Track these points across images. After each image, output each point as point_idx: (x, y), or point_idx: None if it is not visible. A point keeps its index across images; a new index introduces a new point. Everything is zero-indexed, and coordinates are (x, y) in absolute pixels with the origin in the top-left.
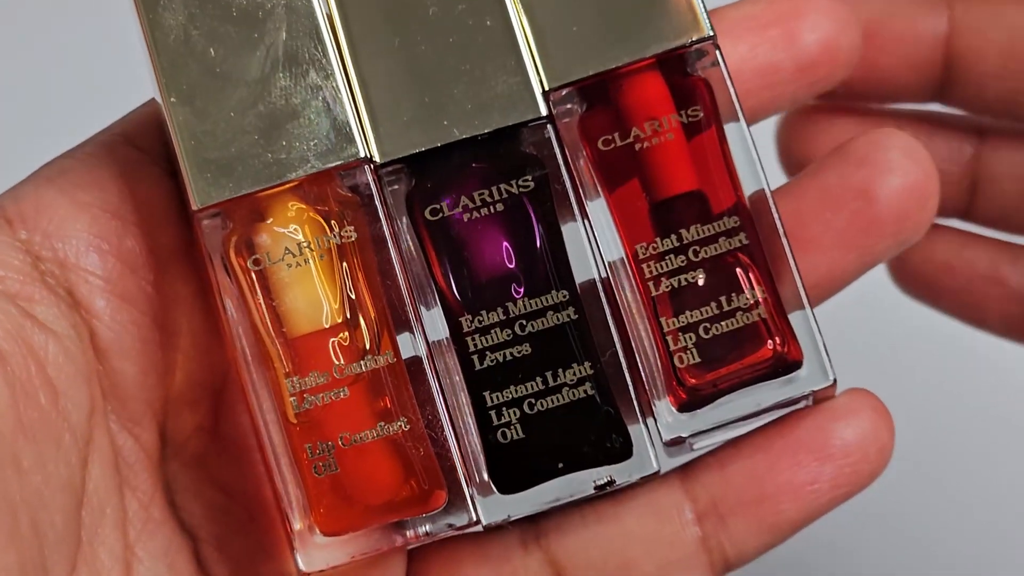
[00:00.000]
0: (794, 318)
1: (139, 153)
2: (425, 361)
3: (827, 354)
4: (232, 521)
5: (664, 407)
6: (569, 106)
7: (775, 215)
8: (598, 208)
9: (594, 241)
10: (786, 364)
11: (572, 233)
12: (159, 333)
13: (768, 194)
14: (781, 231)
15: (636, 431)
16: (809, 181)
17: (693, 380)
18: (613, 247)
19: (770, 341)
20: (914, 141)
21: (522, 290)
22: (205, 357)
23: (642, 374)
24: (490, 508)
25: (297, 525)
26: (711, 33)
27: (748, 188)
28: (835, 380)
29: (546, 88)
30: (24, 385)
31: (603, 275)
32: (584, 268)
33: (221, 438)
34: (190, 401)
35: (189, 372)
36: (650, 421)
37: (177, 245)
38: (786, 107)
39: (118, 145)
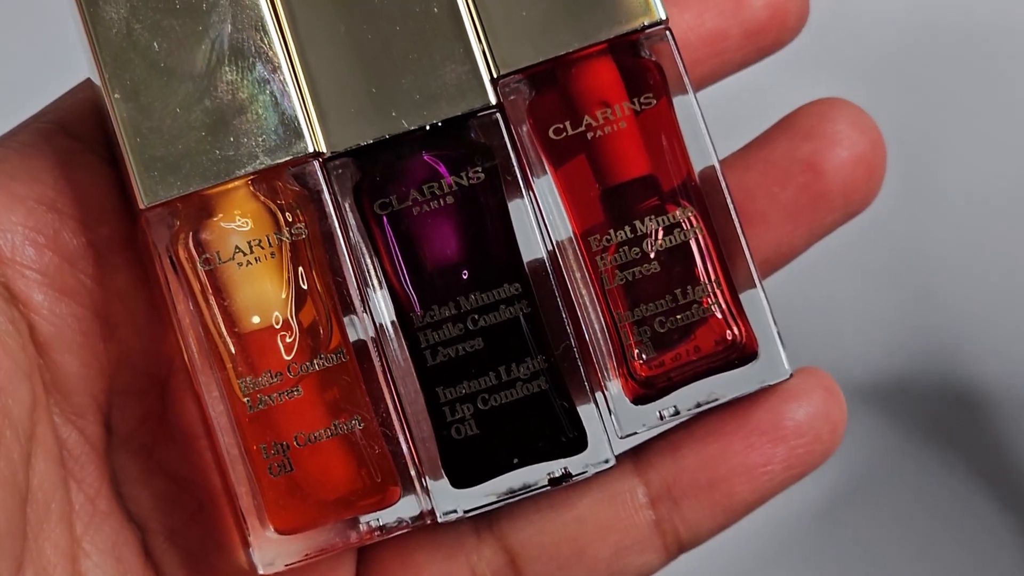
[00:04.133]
0: (745, 298)
1: (75, 142)
2: (377, 358)
3: (782, 345)
4: (181, 511)
5: (619, 399)
6: (518, 87)
7: (729, 202)
8: (547, 193)
9: (543, 224)
10: (742, 355)
11: (520, 214)
12: (100, 325)
13: (722, 180)
14: (735, 217)
15: (590, 421)
16: (756, 153)
17: (648, 372)
18: (562, 231)
19: (728, 332)
20: (860, 111)
21: (474, 284)
22: (149, 347)
23: (596, 365)
24: (444, 502)
25: (252, 525)
26: (664, 17)
27: (698, 164)
28: (791, 374)
29: (495, 75)
30: None
31: (551, 258)
32: (533, 250)
33: (169, 426)
34: (136, 391)
35: (133, 362)
36: (604, 412)
37: (117, 236)
38: (733, 72)
39: (53, 133)
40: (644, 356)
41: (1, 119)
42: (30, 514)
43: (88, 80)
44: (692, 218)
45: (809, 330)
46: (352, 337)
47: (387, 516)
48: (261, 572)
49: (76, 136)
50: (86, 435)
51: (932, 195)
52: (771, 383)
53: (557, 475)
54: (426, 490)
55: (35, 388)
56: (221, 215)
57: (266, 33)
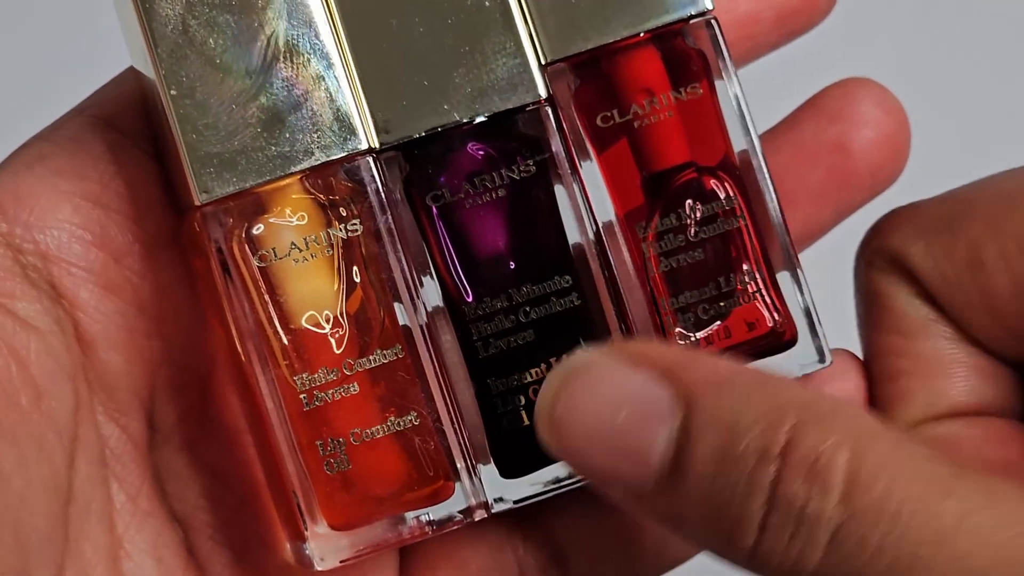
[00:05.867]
0: (783, 283)
1: (120, 136)
2: (430, 352)
3: (823, 333)
4: (224, 508)
5: None
6: (563, 75)
7: (771, 188)
8: (592, 181)
9: (591, 213)
10: (782, 342)
11: (568, 205)
12: (145, 322)
13: (765, 169)
14: (777, 203)
15: None
16: (784, 135)
17: None
18: (606, 218)
19: (768, 319)
20: (886, 91)
21: (525, 276)
22: (192, 343)
23: None
24: (493, 493)
25: (308, 522)
26: (710, 7)
27: (739, 150)
28: (831, 362)
29: (543, 63)
30: (4, 387)
31: (599, 247)
32: (580, 240)
33: (210, 422)
34: (178, 388)
35: (176, 359)
36: None
37: (162, 232)
38: (764, 55)
39: (98, 128)
40: (686, 342)
41: (34, 110)
42: (71, 515)
43: (128, 70)
44: (737, 206)
45: (837, 310)
46: (405, 332)
47: (438, 512)
48: (318, 568)
49: (120, 130)
50: (129, 433)
51: (955, 171)
52: (811, 370)
53: None
54: (478, 484)
55: (78, 388)
56: (276, 211)
57: (320, 29)
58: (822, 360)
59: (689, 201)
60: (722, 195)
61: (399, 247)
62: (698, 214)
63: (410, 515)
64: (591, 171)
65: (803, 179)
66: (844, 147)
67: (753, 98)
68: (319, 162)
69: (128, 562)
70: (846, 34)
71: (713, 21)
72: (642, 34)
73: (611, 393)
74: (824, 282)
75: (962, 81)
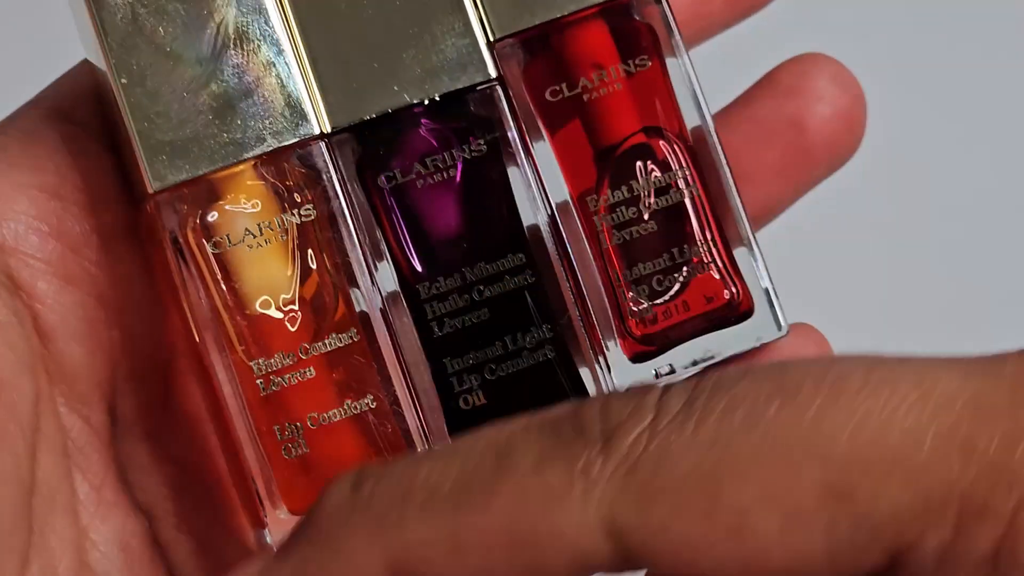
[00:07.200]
0: (739, 255)
1: (75, 127)
2: (385, 334)
3: (779, 303)
4: (188, 496)
5: (617, 358)
6: (513, 52)
7: (723, 161)
8: (543, 157)
9: (543, 190)
10: (739, 313)
11: (520, 183)
12: (105, 312)
13: (717, 142)
14: (730, 176)
15: (594, 389)
16: (739, 112)
17: (644, 330)
18: (559, 194)
19: (725, 290)
20: (840, 65)
21: (478, 255)
22: (152, 332)
23: (596, 327)
24: None
25: (267, 507)
26: None
27: (691, 125)
28: (788, 331)
29: (491, 39)
30: None
31: (552, 225)
32: (533, 218)
33: (173, 412)
34: (139, 377)
35: (137, 349)
36: (603, 374)
37: (119, 223)
38: (717, 33)
39: (53, 119)
40: (638, 309)
41: None
42: (35, 507)
43: (83, 63)
44: (688, 177)
45: (796, 287)
46: (361, 315)
47: None
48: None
49: (76, 122)
50: (91, 424)
51: (912, 145)
52: (767, 340)
53: None
54: None
55: (39, 380)
56: (229, 198)
57: (270, 14)
58: (779, 329)
59: (639, 164)
60: (674, 165)
61: (353, 231)
62: (650, 182)
63: None
64: (543, 149)
65: (760, 156)
66: (800, 123)
67: (708, 76)
68: (271, 148)
69: (94, 552)
70: (800, 10)
71: None
72: (589, 9)
73: None
74: (783, 258)
75: (918, 54)
